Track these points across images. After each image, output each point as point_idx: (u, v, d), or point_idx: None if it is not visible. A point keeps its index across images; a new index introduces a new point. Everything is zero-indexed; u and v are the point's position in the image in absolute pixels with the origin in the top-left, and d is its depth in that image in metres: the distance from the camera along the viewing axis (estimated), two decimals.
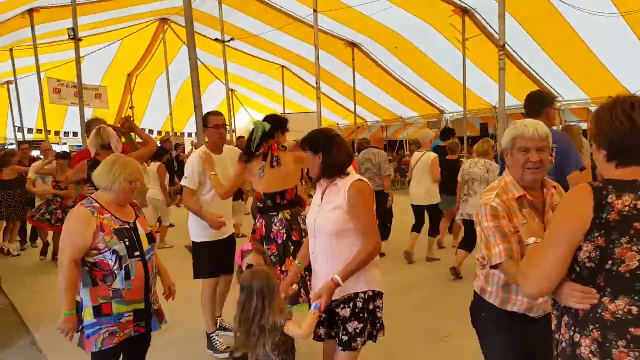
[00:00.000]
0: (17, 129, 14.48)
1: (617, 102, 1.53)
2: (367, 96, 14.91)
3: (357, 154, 7.03)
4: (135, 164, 2.69)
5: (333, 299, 2.41)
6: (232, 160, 3.84)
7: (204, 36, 12.49)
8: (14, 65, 12.53)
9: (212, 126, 3.88)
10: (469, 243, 5.60)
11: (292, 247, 3.33)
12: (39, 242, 7.63)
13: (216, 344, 3.91)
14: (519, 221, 1.96)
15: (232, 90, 15.77)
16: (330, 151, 2.47)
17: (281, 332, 2.27)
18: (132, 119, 4.82)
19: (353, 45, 13.02)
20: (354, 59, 13.08)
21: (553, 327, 1.68)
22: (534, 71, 10.64)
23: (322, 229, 2.48)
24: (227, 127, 4.02)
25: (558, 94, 10.47)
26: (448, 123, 13.81)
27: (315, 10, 8.75)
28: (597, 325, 1.48)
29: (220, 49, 10.97)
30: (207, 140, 4.09)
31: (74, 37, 7.53)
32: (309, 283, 2.97)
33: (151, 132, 17.28)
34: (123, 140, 4.41)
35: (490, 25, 9.94)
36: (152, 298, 2.69)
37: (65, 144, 17.62)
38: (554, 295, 1.61)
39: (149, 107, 18.15)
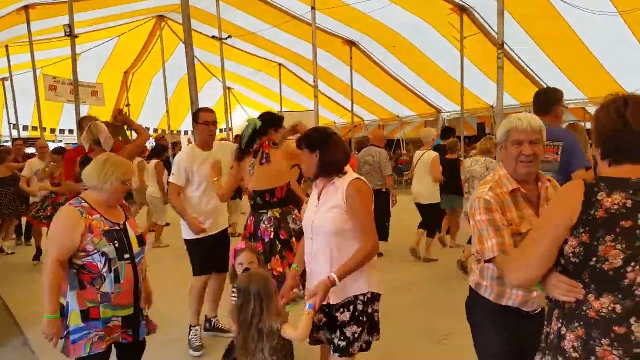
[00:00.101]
0: (12, 126, 14.40)
1: (613, 101, 1.55)
2: (365, 95, 14.90)
3: (356, 153, 6.98)
4: (127, 163, 2.62)
5: (333, 303, 2.39)
6: (222, 157, 3.80)
7: (201, 34, 12.41)
8: (9, 61, 12.46)
9: (202, 122, 3.84)
10: None
11: (279, 246, 3.30)
12: (33, 241, 7.53)
13: (192, 338, 3.89)
14: (513, 214, 1.96)
15: (229, 88, 15.71)
16: (327, 150, 2.44)
17: (279, 336, 2.24)
18: (125, 112, 4.79)
19: (351, 43, 13.01)
20: (351, 57, 13.06)
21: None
22: (531, 70, 10.64)
23: (320, 228, 2.45)
24: (217, 125, 3.98)
25: None
26: (445, 122, 13.82)
27: (313, 8, 8.70)
28: (582, 323, 1.50)
29: (217, 47, 10.92)
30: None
31: (70, 33, 7.47)
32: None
33: (147, 129, 17.20)
34: (119, 139, 4.38)
35: (488, 24, 9.94)
36: (141, 304, 2.61)
37: (60, 141, 17.52)
38: (542, 285, 1.62)
39: (146, 105, 18.08)
